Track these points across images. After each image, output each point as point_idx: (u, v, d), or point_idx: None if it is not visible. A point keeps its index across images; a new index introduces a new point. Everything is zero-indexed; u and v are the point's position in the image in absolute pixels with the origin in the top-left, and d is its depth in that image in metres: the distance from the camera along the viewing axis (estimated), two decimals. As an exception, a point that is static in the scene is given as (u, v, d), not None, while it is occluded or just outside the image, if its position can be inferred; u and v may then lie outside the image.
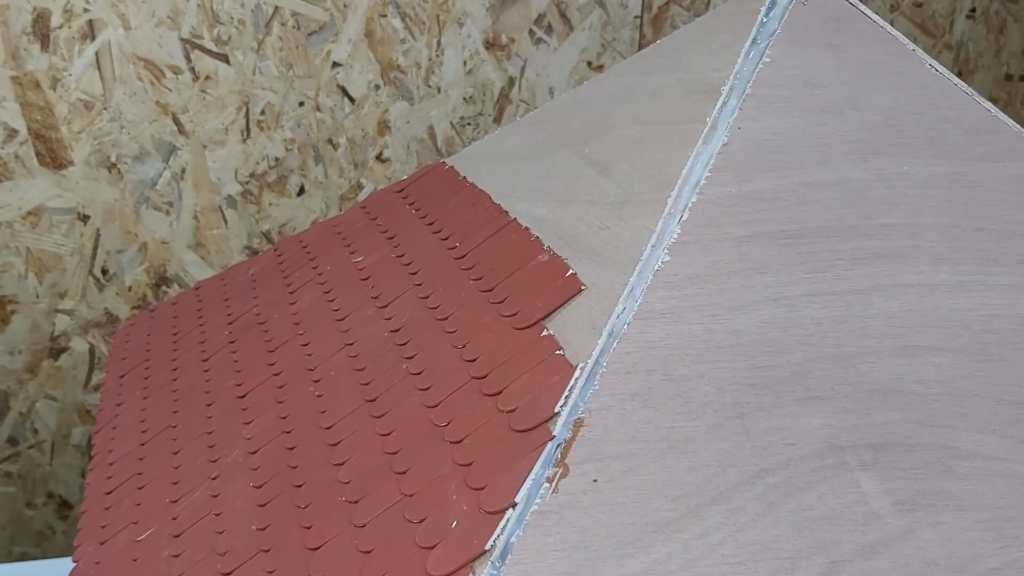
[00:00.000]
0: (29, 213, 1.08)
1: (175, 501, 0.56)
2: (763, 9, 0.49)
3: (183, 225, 1.13)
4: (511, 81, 1.20)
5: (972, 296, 0.46)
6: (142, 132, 1.09)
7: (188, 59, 1.09)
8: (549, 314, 0.46)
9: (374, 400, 0.52)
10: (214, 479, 0.56)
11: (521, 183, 0.61)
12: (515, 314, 0.48)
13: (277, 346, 0.65)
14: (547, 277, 0.49)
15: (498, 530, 0.38)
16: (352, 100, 1.15)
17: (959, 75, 1.36)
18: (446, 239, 0.62)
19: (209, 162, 1.12)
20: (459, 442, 0.44)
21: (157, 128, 1.09)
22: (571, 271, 0.48)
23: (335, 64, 1.13)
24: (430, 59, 1.16)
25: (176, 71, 1.09)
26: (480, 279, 0.54)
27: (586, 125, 0.60)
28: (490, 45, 1.18)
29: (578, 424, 0.40)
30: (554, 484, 0.39)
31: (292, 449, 0.53)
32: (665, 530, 0.40)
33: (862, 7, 0.50)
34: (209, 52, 1.09)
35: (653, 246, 0.44)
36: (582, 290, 0.46)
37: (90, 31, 1.05)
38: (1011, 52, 1.38)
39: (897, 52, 0.50)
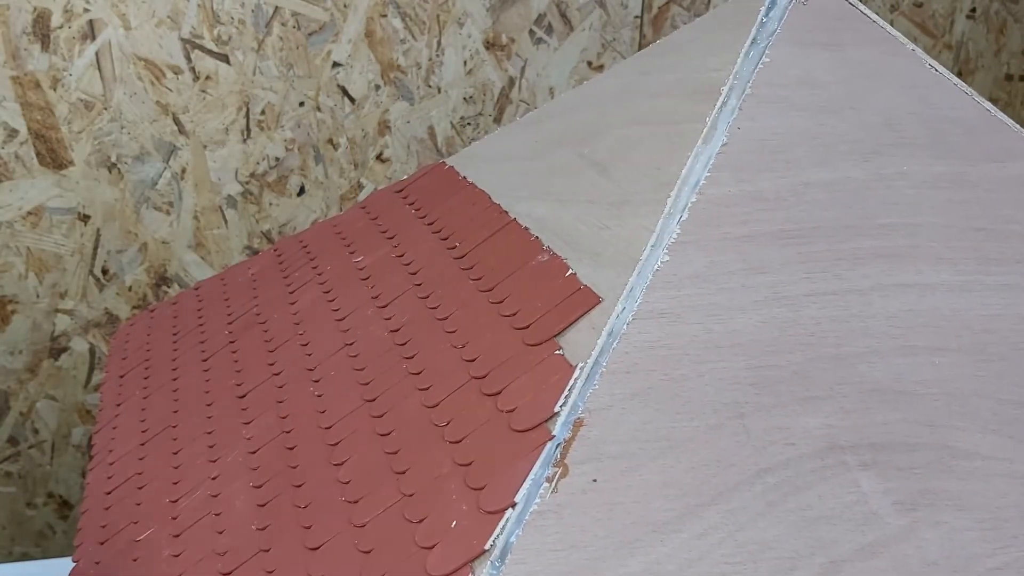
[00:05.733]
0: (29, 213, 1.08)
1: (175, 501, 0.56)
2: (763, 9, 0.49)
3: (183, 225, 1.13)
4: (511, 81, 1.20)
5: (972, 296, 0.46)
6: (142, 132, 1.09)
7: (188, 59, 1.09)
8: (563, 330, 0.45)
9: (374, 400, 0.52)
10: (214, 479, 0.56)
11: (521, 183, 0.61)
12: (527, 327, 0.48)
13: (277, 346, 0.65)
14: (548, 278, 0.49)
15: (497, 530, 0.38)
16: (352, 100, 1.15)
17: (959, 75, 1.36)
18: (446, 239, 0.62)
19: (209, 162, 1.12)
20: (459, 442, 0.44)
21: (157, 128, 1.09)
22: (571, 271, 0.48)
23: (335, 64, 1.13)
24: (430, 59, 1.16)
25: (176, 71, 1.09)
26: (480, 279, 0.54)
27: (586, 125, 0.60)
28: (490, 45, 1.18)
29: (578, 424, 0.40)
30: (553, 484, 0.39)
31: (292, 449, 0.53)
32: (664, 530, 0.39)
33: (862, 7, 0.50)
34: (209, 52, 1.09)
35: (653, 246, 0.44)
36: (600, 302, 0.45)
37: (90, 31, 1.05)
38: (1011, 52, 1.38)
39: (897, 52, 0.50)
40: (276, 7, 1.10)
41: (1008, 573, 0.43)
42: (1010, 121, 0.49)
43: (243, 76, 1.10)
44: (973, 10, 1.34)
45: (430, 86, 1.17)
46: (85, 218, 1.10)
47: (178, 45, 1.08)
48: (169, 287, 1.14)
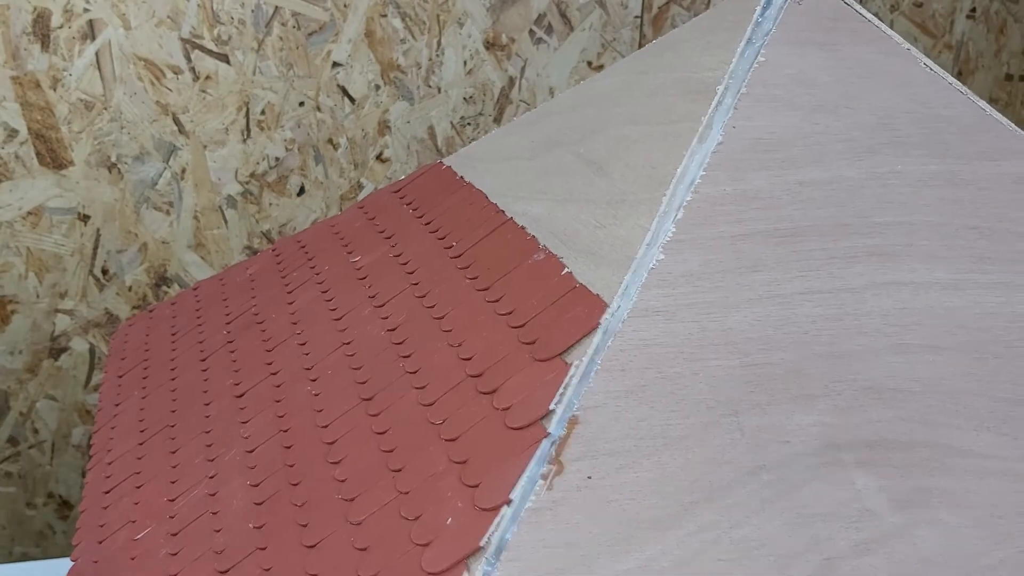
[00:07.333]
0: (29, 213, 1.08)
1: (173, 500, 0.56)
2: (758, 8, 0.49)
3: (183, 225, 1.13)
4: (511, 81, 1.20)
5: (966, 294, 0.46)
6: (142, 132, 1.09)
7: (188, 59, 1.09)
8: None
9: (371, 398, 0.52)
10: (212, 478, 0.56)
11: (518, 182, 0.61)
12: (522, 325, 0.47)
13: (275, 345, 0.65)
14: (544, 277, 0.50)
15: (493, 527, 0.38)
16: (352, 100, 1.15)
17: (959, 75, 1.36)
18: (443, 238, 0.62)
19: (209, 162, 1.12)
20: (454, 440, 0.44)
21: (157, 128, 1.10)
22: (567, 270, 0.48)
23: (335, 64, 1.13)
24: (430, 59, 1.16)
25: (176, 71, 1.09)
26: (476, 278, 0.55)
27: (582, 124, 0.60)
28: (490, 45, 1.18)
29: (572, 422, 0.40)
30: (548, 481, 0.39)
31: (289, 448, 0.53)
32: (659, 527, 0.40)
33: (857, 6, 0.50)
34: (209, 52, 1.09)
35: (648, 244, 0.44)
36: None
37: (90, 31, 1.05)
38: (1011, 52, 1.38)
39: (891, 51, 0.50)
40: (276, 7, 1.10)
41: (1003, 570, 0.43)
42: (1004, 120, 0.49)
43: (243, 76, 1.11)
44: (973, 10, 1.34)
45: (430, 86, 1.17)
46: (85, 218, 1.10)
47: (178, 45, 1.08)
48: (169, 287, 1.14)
